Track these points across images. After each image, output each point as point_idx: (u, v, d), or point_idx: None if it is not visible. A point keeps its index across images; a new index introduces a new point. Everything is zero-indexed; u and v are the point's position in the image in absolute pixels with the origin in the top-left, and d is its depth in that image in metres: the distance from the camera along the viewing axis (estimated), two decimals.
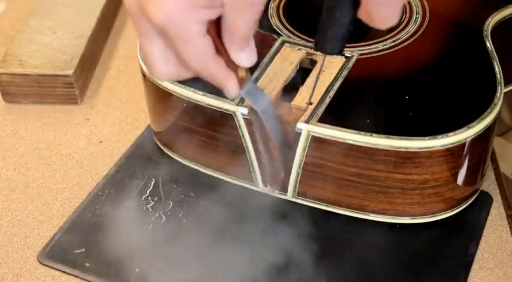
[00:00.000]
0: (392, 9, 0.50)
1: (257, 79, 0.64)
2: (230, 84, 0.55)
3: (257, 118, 0.63)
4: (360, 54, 0.66)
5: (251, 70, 0.58)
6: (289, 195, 0.65)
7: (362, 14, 0.51)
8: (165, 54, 0.53)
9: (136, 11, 0.51)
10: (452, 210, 0.64)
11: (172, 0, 0.49)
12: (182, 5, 0.49)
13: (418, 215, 0.63)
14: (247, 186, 0.67)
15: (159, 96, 0.67)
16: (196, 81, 0.64)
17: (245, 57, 0.53)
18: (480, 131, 0.60)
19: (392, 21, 0.50)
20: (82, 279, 0.62)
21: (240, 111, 0.62)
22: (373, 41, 0.67)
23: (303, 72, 0.66)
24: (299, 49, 0.67)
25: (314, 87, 0.62)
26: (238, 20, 0.51)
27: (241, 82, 0.55)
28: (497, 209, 0.67)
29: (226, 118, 0.63)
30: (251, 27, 0.52)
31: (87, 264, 0.63)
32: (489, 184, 0.69)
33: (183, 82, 0.64)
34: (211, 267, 0.62)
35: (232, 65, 0.54)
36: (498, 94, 0.62)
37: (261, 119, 0.61)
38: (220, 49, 0.53)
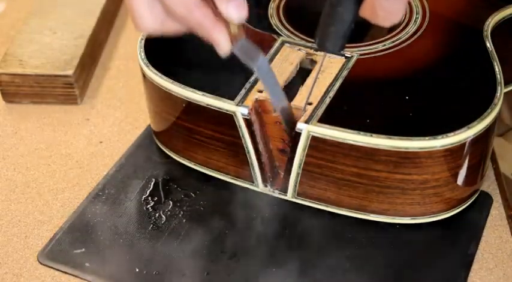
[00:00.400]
0: (397, 2, 0.49)
1: (257, 79, 0.64)
2: (219, 35, 0.52)
3: (257, 118, 0.63)
4: (360, 55, 0.66)
5: None
6: (289, 196, 0.65)
7: (365, 11, 0.51)
8: (150, 3, 0.52)
9: None
10: (452, 211, 0.64)
11: None
12: None
13: (418, 215, 0.63)
14: (247, 186, 0.67)
15: (159, 96, 0.67)
16: (196, 81, 0.64)
17: (233, 9, 0.51)
18: (480, 131, 0.60)
19: (396, 17, 0.50)
20: (82, 279, 0.62)
21: (240, 111, 0.62)
22: (373, 42, 0.68)
23: (303, 72, 0.66)
24: (299, 49, 0.67)
25: (312, 87, 0.62)
26: None
27: (233, 39, 0.53)
28: (497, 209, 0.67)
29: (226, 118, 0.63)
30: None
31: (87, 264, 0.63)
32: (489, 184, 0.69)
33: (183, 82, 0.64)
34: (211, 267, 0.62)
35: (223, 22, 0.52)
36: (498, 94, 0.61)
37: (261, 79, 0.59)
38: (210, 5, 0.51)
